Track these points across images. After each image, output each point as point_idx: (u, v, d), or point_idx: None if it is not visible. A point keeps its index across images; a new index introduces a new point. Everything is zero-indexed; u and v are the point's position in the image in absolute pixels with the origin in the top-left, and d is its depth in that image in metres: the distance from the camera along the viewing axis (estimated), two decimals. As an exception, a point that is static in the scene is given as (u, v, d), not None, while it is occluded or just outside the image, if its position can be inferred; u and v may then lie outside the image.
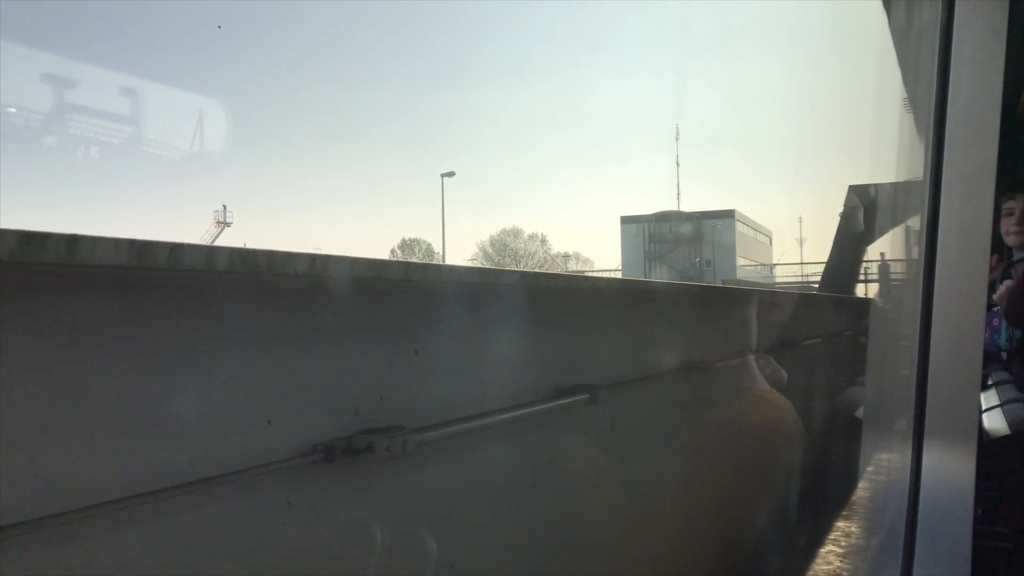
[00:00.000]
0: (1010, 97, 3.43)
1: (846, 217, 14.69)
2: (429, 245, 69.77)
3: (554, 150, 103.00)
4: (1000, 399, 3.04)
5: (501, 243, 71.74)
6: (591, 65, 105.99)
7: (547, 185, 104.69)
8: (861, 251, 14.93)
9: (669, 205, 60.66)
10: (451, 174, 37.80)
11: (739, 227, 58.09)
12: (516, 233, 72.91)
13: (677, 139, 62.49)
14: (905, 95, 2.29)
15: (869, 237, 14.47)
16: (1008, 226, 3.42)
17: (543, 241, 73.10)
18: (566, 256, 73.97)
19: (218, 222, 51.31)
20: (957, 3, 1.53)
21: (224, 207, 51.74)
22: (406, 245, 69.63)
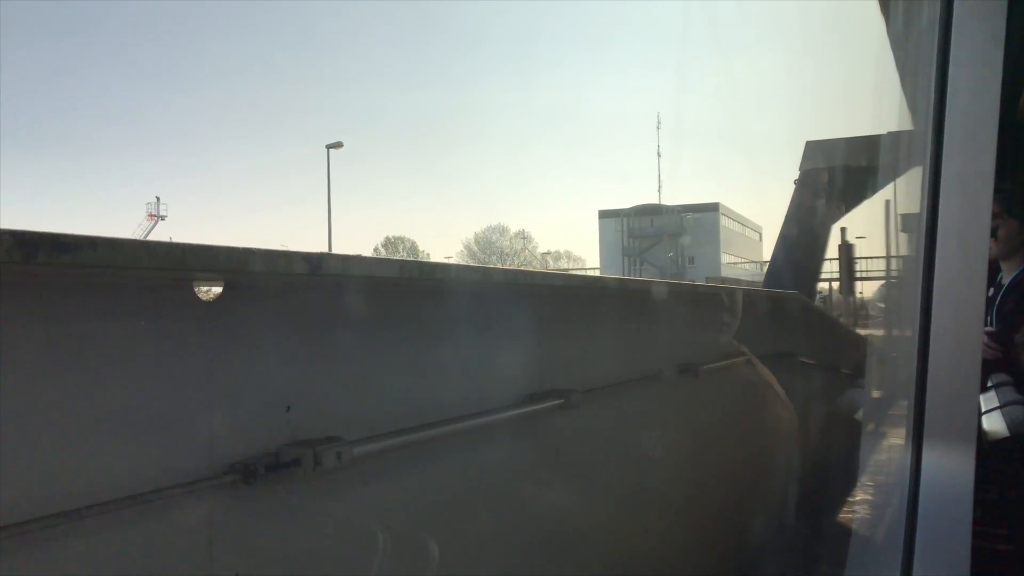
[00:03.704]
0: (1009, 100, 3.55)
1: (803, 184, 12.55)
2: (414, 243, 70.33)
3: (547, 149, 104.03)
4: (1000, 401, 3.17)
5: (486, 240, 72.10)
6: (586, 64, 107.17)
7: (539, 183, 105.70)
8: (822, 232, 12.60)
9: (652, 199, 60.98)
10: (338, 145, 36.81)
11: (724, 221, 58.43)
12: (502, 230, 73.33)
13: (658, 128, 62.82)
14: (903, 96, 2.42)
15: (833, 212, 12.51)
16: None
17: (525, 238, 73.40)
18: (548, 254, 74.31)
19: (150, 215, 50.38)
20: (955, 7, 1.65)
21: (157, 199, 50.81)
22: (390, 243, 70.02)
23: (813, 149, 12.65)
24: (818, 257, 12.76)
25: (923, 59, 1.84)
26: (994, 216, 3.38)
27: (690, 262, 56.04)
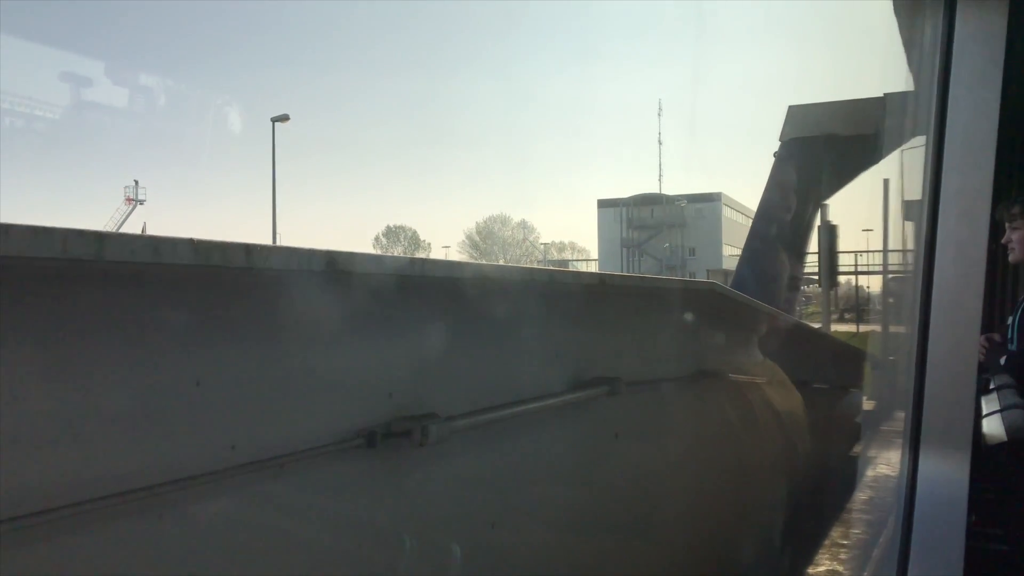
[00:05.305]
0: (1008, 118, 3.59)
1: (784, 157, 10.98)
2: (415, 232, 70.63)
3: (549, 138, 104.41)
4: (1000, 404, 3.27)
5: (488, 231, 72.32)
6: (587, 51, 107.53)
7: (541, 173, 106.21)
8: (807, 213, 11.01)
9: (653, 187, 61.02)
10: (284, 118, 36.50)
11: (726, 212, 58.41)
12: (504, 220, 73.51)
13: (660, 114, 62.88)
14: (910, 98, 2.51)
15: (821, 191, 10.90)
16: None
17: (527, 228, 73.51)
18: (551, 244, 74.44)
19: (128, 199, 49.65)
20: (957, 28, 1.75)
21: (136, 182, 49.93)
22: (391, 232, 70.36)
23: (796, 115, 10.96)
24: (802, 244, 11.24)
25: (924, 75, 1.93)
26: (1014, 218, 3.43)
27: (691, 254, 56.08)
